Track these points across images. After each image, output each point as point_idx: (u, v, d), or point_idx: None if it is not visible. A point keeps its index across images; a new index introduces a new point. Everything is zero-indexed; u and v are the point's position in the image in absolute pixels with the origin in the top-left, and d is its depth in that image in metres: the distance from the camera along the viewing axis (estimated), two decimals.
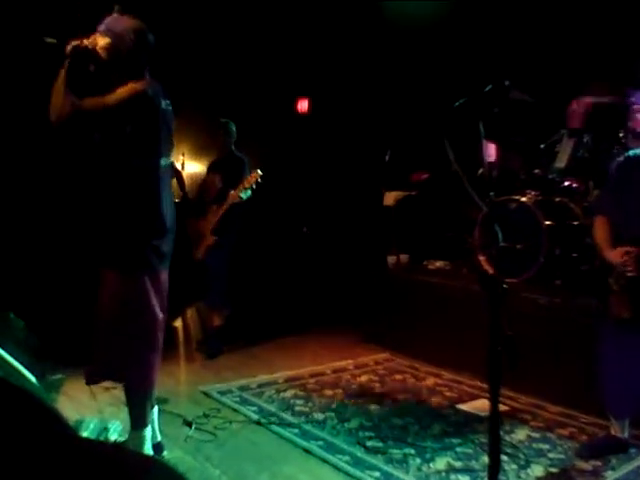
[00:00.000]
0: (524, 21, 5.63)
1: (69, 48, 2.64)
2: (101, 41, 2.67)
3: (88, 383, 2.86)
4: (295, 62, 6.85)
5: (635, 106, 4.55)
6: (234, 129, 5.26)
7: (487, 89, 2.28)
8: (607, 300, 2.94)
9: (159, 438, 3.05)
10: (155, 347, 2.83)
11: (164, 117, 2.76)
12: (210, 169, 5.36)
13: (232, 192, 4.78)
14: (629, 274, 2.85)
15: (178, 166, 7.72)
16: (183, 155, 7.95)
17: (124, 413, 3.56)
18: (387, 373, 4.51)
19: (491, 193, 2.09)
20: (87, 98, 2.65)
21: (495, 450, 1.85)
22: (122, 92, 2.64)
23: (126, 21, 2.72)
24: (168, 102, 2.81)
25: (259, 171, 4.77)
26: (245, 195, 4.73)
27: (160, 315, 2.85)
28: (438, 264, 5.40)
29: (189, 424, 3.41)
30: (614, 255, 2.95)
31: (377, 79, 6.67)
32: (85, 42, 2.66)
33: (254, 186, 4.72)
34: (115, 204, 2.74)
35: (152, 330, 2.80)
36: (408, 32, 6.25)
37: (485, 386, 3.93)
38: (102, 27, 2.71)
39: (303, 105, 7.66)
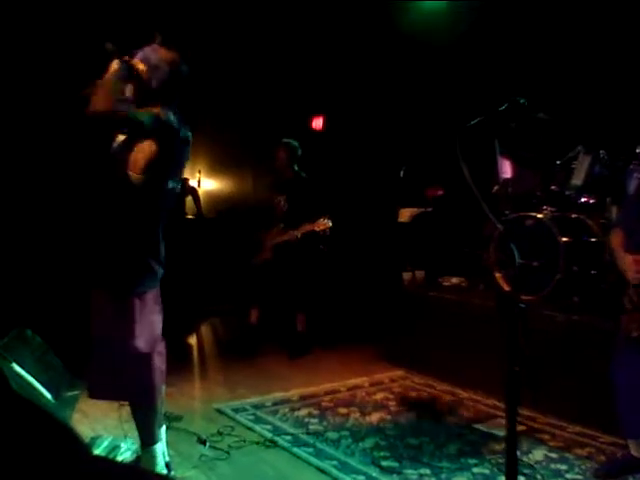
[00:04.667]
0: (540, 38, 5.63)
1: (123, 58, 2.70)
2: (140, 65, 2.74)
3: (91, 397, 2.88)
4: (310, 80, 6.90)
5: None
6: (297, 148, 5.28)
7: (502, 107, 2.28)
8: (619, 318, 2.90)
9: (167, 458, 3.04)
10: (153, 365, 2.82)
11: (180, 144, 2.80)
12: (274, 190, 5.45)
13: (298, 231, 5.04)
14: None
15: (194, 183, 7.79)
16: (199, 172, 8.02)
17: None
18: (402, 391, 4.47)
19: (506, 212, 2.07)
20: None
21: (512, 472, 1.82)
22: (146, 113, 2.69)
23: (163, 53, 2.79)
24: (188, 130, 2.85)
25: (329, 222, 4.94)
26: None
27: (158, 333, 2.85)
28: (454, 281, 5.36)
29: (203, 442, 3.40)
30: (628, 263, 2.92)
31: (392, 96, 6.69)
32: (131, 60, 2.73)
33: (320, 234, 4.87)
34: (116, 220, 2.75)
35: (150, 349, 2.80)
36: (423, 49, 6.27)
37: (502, 405, 3.90)
38: (140, 55, 2.77)
39: (318, 122, 7.70)
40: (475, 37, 5.93)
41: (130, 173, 2.69)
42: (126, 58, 2.70)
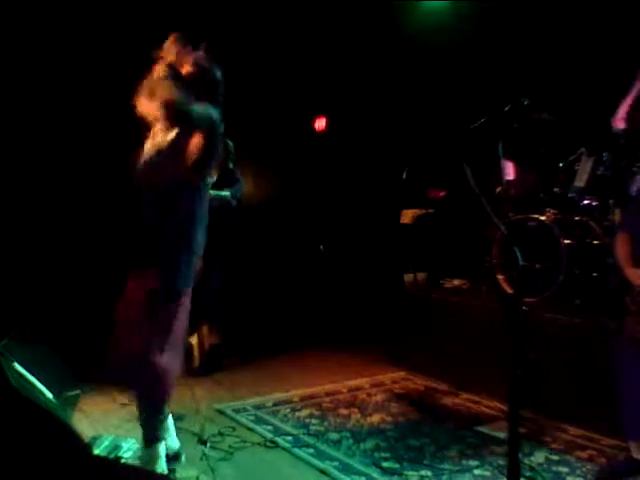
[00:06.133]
0: (544, 39, 5.62)
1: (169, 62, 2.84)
2: (187, 67, 2.86)
3: (103, 379, 2.99)
4: (313, 80, 6.89)
5: None
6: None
7: (506, 109, 2.27)
8: (623, 320, 2.89)
9: (177, 446, 3.08)
10: (174, 361, 2.85)
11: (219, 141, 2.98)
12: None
13: None
14: None
15: None
16: None
17: (140, 430, 3.57)
18: (404, 392, 4.46)
19: (510, 214, 2.07)
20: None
21: (514, 475, 1.82)
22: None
23: (208, 60, 2.96)
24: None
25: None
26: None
27: (183, 332, 2.88)
28: (456, 282, 5.36)
29: (204, 442, 3.40)
30: (635, 275, 2.91)
31: (395, 97, 6.67)
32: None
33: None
34: (168, 217, 2.78)
35: (175, 345, 2.83)
36: (426, 50, 6.26)
37: (504, 407, 3.89)
38: (189, 59, 2.89)
39: (321, 123, 7.69)
40: (478, 38, 5.91)
41: (184, 168, 2.74)
42: (172, 62, 2.83)
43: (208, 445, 3.38)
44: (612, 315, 2.99)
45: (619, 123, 4.43)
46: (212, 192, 4.65)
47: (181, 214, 2.78)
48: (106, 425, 3.67)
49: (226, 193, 4.78)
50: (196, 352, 4.90)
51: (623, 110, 4.38)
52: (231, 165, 5.07)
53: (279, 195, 6.99)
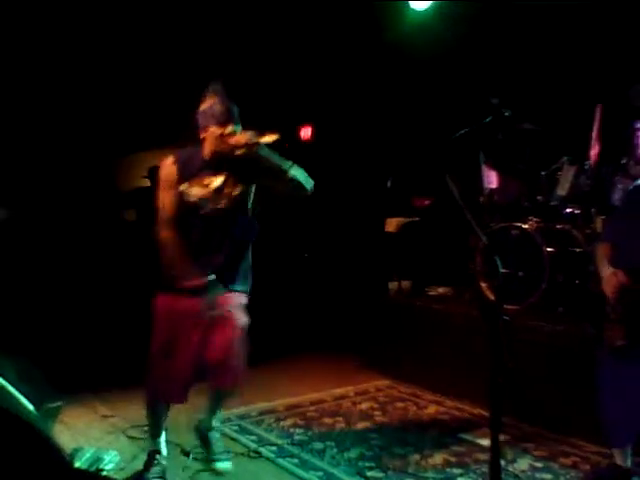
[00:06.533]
0: (526, 49, 5.69)
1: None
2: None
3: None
4: (298, 89, 6.91)
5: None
6: None
7: (487, 120, 2.30)
8: (603, 328, 2.92)
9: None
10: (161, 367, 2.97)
11: None
12: None
13: None
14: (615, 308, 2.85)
15: None
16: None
17: (122, 442, 3.54)
18: (388, 400, 4.46)
19: (491, 223, 2.09)
20: None
21: None
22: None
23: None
24: None
25: None
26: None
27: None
28: (440, 290, 5.37)
29: (187, 453, 3.37)
30: (608, 275, 2.95)
31: (380, 106, 6.71)
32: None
33: None
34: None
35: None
36: (411, 60, 6.31)
37: (488, 414, 3.90)
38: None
39: (306, 132, 7.71)
40: (462, 48, 5.97)
41: None
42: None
43: (191, 456, 3.35)
44: (592, 323, 3.01)
45: (593, 157, 4.53)
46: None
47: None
48: (88, 437, 3.63)
49: None
50: None
51: (595, 146, 4.50)
52: None
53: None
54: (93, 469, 3.13)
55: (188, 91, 7.07)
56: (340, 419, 4.04)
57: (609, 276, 2.93)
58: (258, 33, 6.48)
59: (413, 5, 5.95)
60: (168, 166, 3.06)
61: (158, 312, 3.05)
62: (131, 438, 3.63)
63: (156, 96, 6.96)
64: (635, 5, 5.01)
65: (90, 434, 3.68)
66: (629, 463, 3.08)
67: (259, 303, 5.80)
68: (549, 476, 3.23)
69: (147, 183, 6.74)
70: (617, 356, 2.88)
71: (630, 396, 2.92)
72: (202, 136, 3.04)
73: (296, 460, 3.38)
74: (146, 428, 3.43)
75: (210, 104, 3.06)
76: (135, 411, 3.99)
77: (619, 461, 3.08)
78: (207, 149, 3.05)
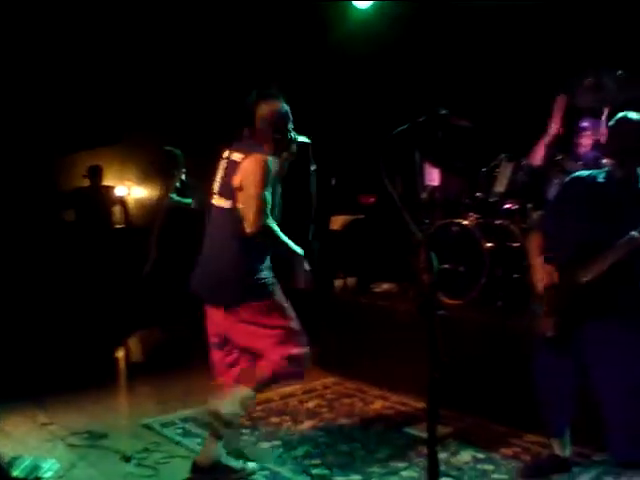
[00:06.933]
0: (465, 48, 5.80)
1: None
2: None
3: None
4: (243, 89, 6.87)
5: (585, 132, 4.72)
6: (177, 156, 5.42)
7: (421, 119, 2.33)
8: (536, 320, 2.99)
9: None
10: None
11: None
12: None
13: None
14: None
15: (123, 192, 7.62)
16: (129, 180, 7.86)
17: (60, 450, 3.45)
18: (335, 397, 4.47)
19: (429, 220, 2.12)
20: None
21: (433, 476, 1.85)
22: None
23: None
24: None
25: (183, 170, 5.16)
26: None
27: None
28: (385, 287, 5.41)
29: (128, 460, 3.30)
30: (537, 265, 3.02)
31: (323, 103, 6.73)
32: None
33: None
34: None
35: None
36: (352, 58, 6.34)
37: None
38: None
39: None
40: (401, 47, 6.04)
41: None
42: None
43: (133, 463, 3.29)
44: (528, 315, 3.10)
45: (535, 161, 4.65)
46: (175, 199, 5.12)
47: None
48: (26, 446, 3.52)
49: (188, 200, 5.21)
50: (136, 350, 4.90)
51: (540, 150, 4.62)
52: (183, 176, 5.40)
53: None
54: (31, 478, 3.05)
55: (126, 91, 6.97)
56: (287, 418, 4.04)
57: (539, 268, 3.00)
58: (204, 34, 6.42)
59: (356, 3, 5.99)
60: (268, 163, 3.02)
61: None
62: (70, 446, 3.54)
63: (96, 95, 6.81)
64: (572, 4, 5.17)
65: (28, 442, 3.57)
66: (568, 453, 3.17)
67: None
68: (491, 467, 3.29)
69: (87, 182, 6.58)
70: (549, 347, 2.97)
71: (562, 386, 3.01)
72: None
73: (241, 461, 3.35)
74: (85, 435, 3.36)
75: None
76: (74, 418, 3.91)
77: (558, 451, 3.17)
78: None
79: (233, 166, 3.04)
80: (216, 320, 3.15)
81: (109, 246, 6.23)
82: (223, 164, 3.12)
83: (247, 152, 3.03)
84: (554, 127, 4.65)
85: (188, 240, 5.19)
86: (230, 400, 3.07)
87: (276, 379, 3.21)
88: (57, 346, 4.88)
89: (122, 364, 5.01)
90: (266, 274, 3.15)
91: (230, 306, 3.06)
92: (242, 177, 2.98)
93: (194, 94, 6.79)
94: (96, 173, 6.60)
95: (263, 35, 6.48)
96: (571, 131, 4.80)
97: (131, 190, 7.79)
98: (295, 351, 3.16)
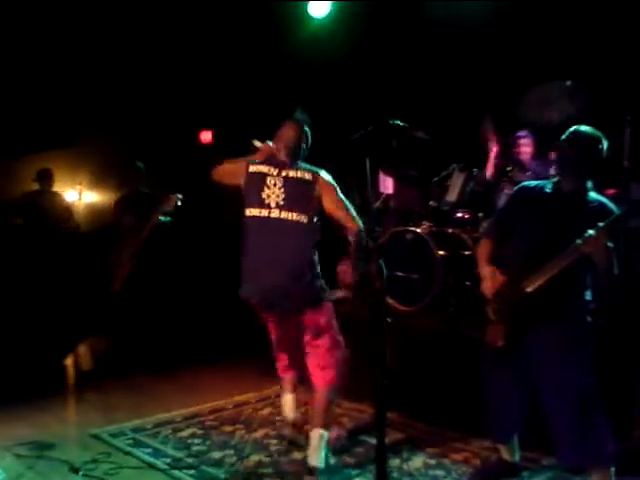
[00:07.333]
0: (417, 63, 5.91)
1: None
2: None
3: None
4: (199, 93, 6.84)
5: (522, 140, 4.88)
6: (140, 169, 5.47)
7: (369, 129, 2.36)
8: (485, 328, 3.04)
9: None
10: None
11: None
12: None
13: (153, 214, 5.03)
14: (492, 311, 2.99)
15: (74, 196, 7.46)
16: (80, 185, 7.71)
17: (8, 461, 3.36)
18: None
19: (376, 228, 2.15)
20: None
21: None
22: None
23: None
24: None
25: (179, 195, 5.01)
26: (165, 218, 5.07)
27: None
28: (340, 294, 5.40)
29: (76, 471, 3.22)
30: (485, 273, 3.06)
31: (278, 109, 6.74)
32: None
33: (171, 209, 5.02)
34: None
35: None
36: (310, 64, 6.38)
37: (388, 415, 3.98)
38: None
39: (207, 136, 7.66)
40: (357, 56, 6.11)
41: None
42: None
43: (80, 474, 3.20)
44: (477, 323, 3.14)
45: (487, 172, 4.77)
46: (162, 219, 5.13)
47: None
48: None
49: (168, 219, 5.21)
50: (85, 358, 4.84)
51: (489, 163, 4.77)
52: (144, 188, 5.44)
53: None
54: None
55: (78, 93, 6.82)
56: (240, 426, 4.00)
57: (487, 276, 3.04)
58: (158, 38, 6.36)
59: (312, 12, 6.02)
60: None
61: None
62: (17, 456, 3.44)
63: (47, 97, 6.67)
64: (521, 19, 5.31)
65: None
66: (517, 457, 3.23)
67: (153, 310, 5.69)
68: (442, 472, 3.33)
69: (36, 186, 6.41)
70: (497, 355, 3.00)
71: (509, 393, 3.05)
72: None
73: (192, 471, 3.31)
74: (32, 445, 3.27)
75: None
76: (21, 428, 3.80)
77: (506, 455, 3.23)
78: None
79: (301, 183, 3.33)
80: (285, 326, 3.51)
81: (58, 252, 6.07)
82: (274, 180, 3.34)
83: (309, 171, 3.37)
84: (492, 144, 4.81)
85: (158, 255, 5.21)
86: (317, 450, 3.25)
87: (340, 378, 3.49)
88: (3, 354, 4.73)
89: (70, 373, 4.88)
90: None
91: (306, 310, 3.38)
92: (327, 191, 3.34)
93: (147, 98, 6.72)
94: (45, 177, 6.43)
95: (218, 42, 6.46)
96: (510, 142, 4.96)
97: (82, 195, 7.64)
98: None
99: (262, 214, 3.30)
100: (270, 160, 3.39)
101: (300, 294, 3.30)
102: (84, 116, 7.01)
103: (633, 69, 4.75)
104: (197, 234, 6.77)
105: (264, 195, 3.31)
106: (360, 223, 3.27)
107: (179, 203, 4.98)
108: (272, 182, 3.33)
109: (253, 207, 3.32)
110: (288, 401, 3.78)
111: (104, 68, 6.58)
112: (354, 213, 3.32)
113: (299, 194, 3.30)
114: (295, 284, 3.27)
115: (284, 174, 3.34)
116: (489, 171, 4.79)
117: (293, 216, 3.28)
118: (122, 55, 6.43)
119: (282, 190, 3.30)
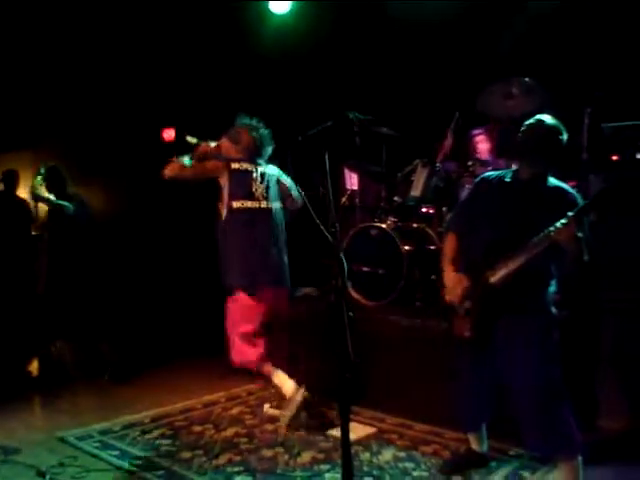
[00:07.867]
0: (381, 60, 5.94)
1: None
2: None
3: None
4: (161, 91, 6.76)
5: (477, 138, 4.96)
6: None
7: (328, 123, 2.36)
8: (452, 321, 3.07)
9: None
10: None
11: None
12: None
13: None
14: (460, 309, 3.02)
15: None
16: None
17: None
18: (259, 403, 4.45)
19: (336, 224, 2.16)
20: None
21: (348, 475, 1.88)
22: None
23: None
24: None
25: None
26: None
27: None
28: (306, 291, 5.43)
29: (42, 474, 3.17)
30: (448, 278, 3.09)
31: (242, 107, 6.71)
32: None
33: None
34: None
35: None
36: (273, 61, 6.36)
37: (355, 409, 4.01)
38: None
39: (170, 134, 7.56)
40: (319, 52, 6.12)
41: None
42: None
43: (47, 477, 3.16)
44: (444, 316, 3.16)
45: (438, 161, 4.83)
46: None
47: None
48: None
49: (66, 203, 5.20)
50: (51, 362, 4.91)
51: (441, 154, 4.85)
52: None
53: (127, 207, 6.77)
54: None
55: (41, 93, 6.69)
56: (210, 426, 3.98)
57: (453, 283, 3.04)
58: (121, 35, 6.27)
59: (272, 8, 6.00)
60: None
61: None
62: None
63: (10, 98, 6.52)
64: (488, 18, 5.38)
65: None
66: (485, 448, 3.29)
67: (120, 310, 5.62)
68: (411, 465, 3.36)
69: (1, 187, 6.26)
70: (466, 347, 3.04)
71: (478, 384, 3.09)
72: None
73: (161, 472, 3.28)
74: None
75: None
76: None
77: (475, 446, 3.27)
78: None
79: (272, 177, 4.02)
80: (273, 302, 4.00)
81: (24, 254, 5.95)
82: (253, 176, 3.93)
83: (271, 167, 4.08)
84: (448, 135, 4.91)
85: (79, 253, 5.14)
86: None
87: None
88: None
89: (35, 376, 4.80)
90: None
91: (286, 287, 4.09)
92: (284, 182, 4.09)
93: (107, 100, 6.63)
94: (11, 178, 6.28)
95: (180, 40, 6.40)
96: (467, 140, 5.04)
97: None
98: None
99: (254, 205, 3.87)
100: (247, 159, 3.98)
101: (285, 269, 4.03)
102: (45, 118, 6.88)
103: (592, 62, 4.85)
104: (156, 235, 6.71)
105: (253, 189, 3.89)
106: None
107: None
108: (256, 177, 3.93)
109: (244, 200, 3.85)
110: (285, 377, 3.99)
111: (66, 71, 6.47)
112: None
113: (274, 186, 4.00)
114: (283, 259, 4.01)
115: (260, 170, 3.98)
116: (439, 158, 4.85)
117: (275, 205, 3.96)
118: (83, 53, 6.32)
119: (263, 184, 3.95)
